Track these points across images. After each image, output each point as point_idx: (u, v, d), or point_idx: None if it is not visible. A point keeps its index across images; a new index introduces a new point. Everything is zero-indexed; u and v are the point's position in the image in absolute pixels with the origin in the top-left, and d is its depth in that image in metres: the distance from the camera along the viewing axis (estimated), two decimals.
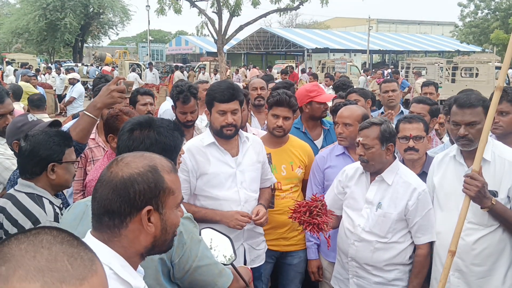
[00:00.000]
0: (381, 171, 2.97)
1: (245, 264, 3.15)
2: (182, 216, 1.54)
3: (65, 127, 3.20)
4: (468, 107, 2.72)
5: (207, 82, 7.04)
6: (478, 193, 2.54)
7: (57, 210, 2.46)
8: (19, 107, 7.01)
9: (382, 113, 5.16)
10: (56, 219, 2.40)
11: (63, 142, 2.47)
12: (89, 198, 1.93)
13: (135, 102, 4.35)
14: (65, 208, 2.51)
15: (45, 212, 2.37)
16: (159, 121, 2.08)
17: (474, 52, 41.94)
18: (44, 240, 0.92)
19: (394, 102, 5.14)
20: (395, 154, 3.04)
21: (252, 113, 5.06)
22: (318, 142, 4.10)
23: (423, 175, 3.20)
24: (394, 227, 2.93)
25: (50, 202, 2.44)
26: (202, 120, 4.69)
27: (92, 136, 3.76)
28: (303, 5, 21.32)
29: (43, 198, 2.43)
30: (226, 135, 3.05)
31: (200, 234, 2.07)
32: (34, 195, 2.42)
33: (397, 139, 3.22)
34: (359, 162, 3.06)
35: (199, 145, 3.06)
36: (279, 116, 3.47)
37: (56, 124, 2.85)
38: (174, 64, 31.77)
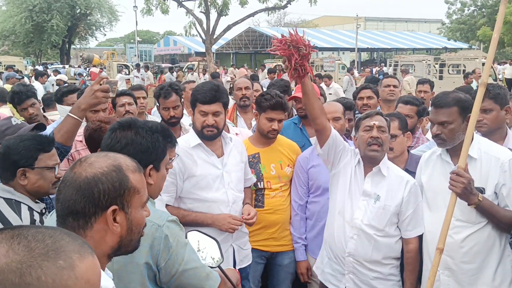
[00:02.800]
0: (377, 163, 2.96)
1: (234, 265, 3.14)
2: (148, 216, 1.53)
3: (48, 128, 3.15)
4: (441, 107, 2.73)
5: (194, 82, 7.06)
6: (464, 190, 2.54)
7: (36, 216, 2.40)
8: (7, 111, 6.89)
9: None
10: None
11: (36, 147, 2.39)
12: None
13: (115, 105, 4.34)
14: (49, 213, 2.47)
15: (20, 219, 2.31)
16: (142, 123, 2.06)
17: (461, 49, 42.24)
18: (49, 229, 0.99)
19: (394, 97, 5.20)
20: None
21: (238, 113, 5.04)
22: (314, 140, 4.08)
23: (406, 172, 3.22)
24: (391, 219, 2.93)
25: (29, 208, 2.38)
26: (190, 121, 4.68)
27: (79, 138, 3.72)
28: (290, 4, 21.40)
29: (21, 204, 2.37)
30: (206, 136, 3.04)
31: (186, 237, 2.05)
32: (12, 200, 2.36)
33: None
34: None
35: (185, 146, 3.02)
36: (274, 119, 3.45)
37: (39, 127, 2.80)
38: (140, 63, 29.65)
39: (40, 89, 15.82)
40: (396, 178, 2.96)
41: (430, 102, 3.63)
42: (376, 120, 2.94)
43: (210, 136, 3.04)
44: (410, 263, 2.95)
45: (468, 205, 2.63)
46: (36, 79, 15.06)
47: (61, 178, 2.53)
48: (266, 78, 18.45)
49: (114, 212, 1.40)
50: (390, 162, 3.06)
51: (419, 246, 2.95)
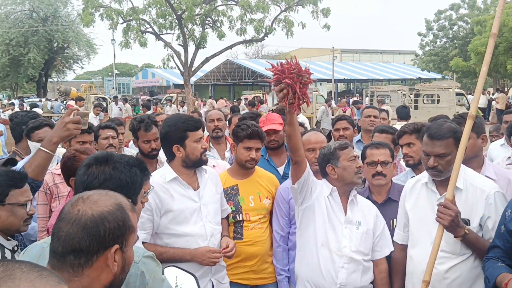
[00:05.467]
0: (350, 191, 3.08)
1: None
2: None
3: (20, 163, 3.08)
4: (438, 138, 2.72)
5: (164, 114, 7.19)
6: (452, 222, 2.53)
7: (8, 253, 2.32)
8: None
9: (359, 140, 5.28)
10: None
11: (7, 183, 2.34)
12: (46, 240, 1.84)
13: (97, 136, 4.29)
14: (21, 250, 2.39)
15: None
16: (118, 157, 2.00)
17: (435, 79, 43.29)
18: (16, 265, 0.96)
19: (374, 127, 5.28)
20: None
21: (211, 144, 5.04)
22: (281, 169, 4.09)
23: (389, 201, 3.25)
24: (372, 242, 3.05)
25: (0, 246, 2.31)
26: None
27: (57, 171, 3.66)
28: (267, 37, 21.70)
29: None
30: (205, 161, 3.06)
31: (163, 273, 2.00)
32: None
33: (364, 165, 3.25)
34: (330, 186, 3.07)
35: (160, 181, 2.95)
36: (252, 148, 3.45)
37: (10, 162, 2.74)
38: (118, 96, 28.34)
39: None
40: (365, 203, 3.14)
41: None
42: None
43: (206, 160, 3.12)
44: (385, 283, 3.05)
45: (455, 237, 2.62)
46: None
47: (33, 215, 2.48)
48: (244, 110, 18.55)
49: (116, 251, 1.40)
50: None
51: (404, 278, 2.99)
